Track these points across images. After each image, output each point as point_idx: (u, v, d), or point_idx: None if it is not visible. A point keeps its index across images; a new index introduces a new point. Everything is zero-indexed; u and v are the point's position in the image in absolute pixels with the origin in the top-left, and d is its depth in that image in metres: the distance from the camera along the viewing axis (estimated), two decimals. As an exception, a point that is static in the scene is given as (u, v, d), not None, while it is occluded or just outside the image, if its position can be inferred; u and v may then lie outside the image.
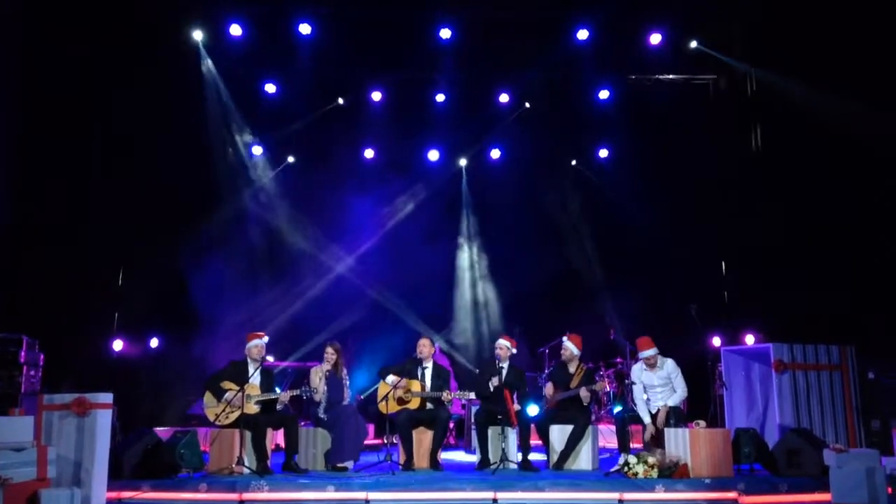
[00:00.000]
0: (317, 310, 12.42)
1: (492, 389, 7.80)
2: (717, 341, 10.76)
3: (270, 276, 12.41)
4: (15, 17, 9.52)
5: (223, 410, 7.37)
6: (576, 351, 8.18)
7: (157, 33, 10.80)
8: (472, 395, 8.11)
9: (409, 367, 8.08)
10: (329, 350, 8.04)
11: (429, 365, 8.12)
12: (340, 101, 12.39)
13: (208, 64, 11.48)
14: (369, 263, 12.96)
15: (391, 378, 7.92)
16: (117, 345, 10.87)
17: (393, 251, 12.96)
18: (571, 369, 8.19)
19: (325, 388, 7.88)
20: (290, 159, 12.92)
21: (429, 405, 7.94)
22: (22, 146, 9.82)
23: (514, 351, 8.20)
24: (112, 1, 10.34)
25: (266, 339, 7.82)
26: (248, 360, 7.70)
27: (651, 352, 7.90)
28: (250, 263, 12.18)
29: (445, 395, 7.87)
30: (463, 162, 13.21)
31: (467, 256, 13.20)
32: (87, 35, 10.27)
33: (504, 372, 7.94)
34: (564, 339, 8.27)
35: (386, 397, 7.79)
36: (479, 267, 13.13)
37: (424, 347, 8.15)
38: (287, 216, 12.68)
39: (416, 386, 7.98)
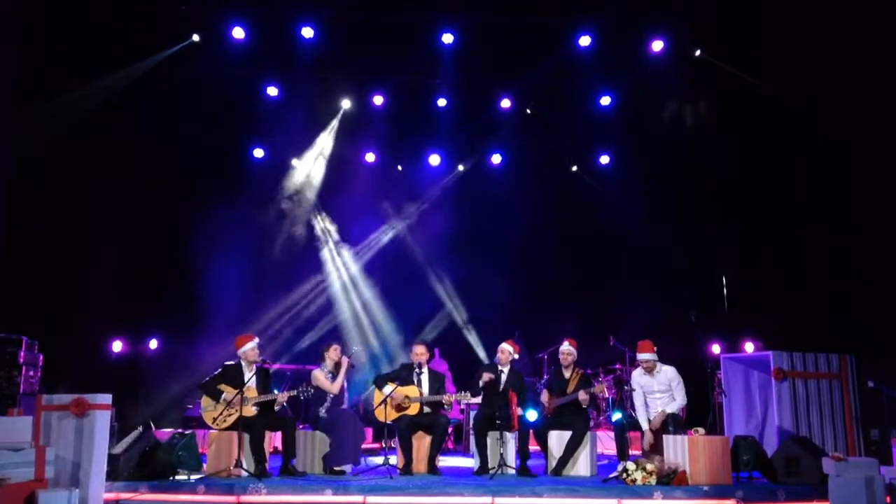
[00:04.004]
0: (314, 313, 12.47)
1: (480, 385, 7.79)
2: (716, 349, 10.76)
3: (270, 279, 12.43)
4: (13, 17, 9.55)
5: (220, 413, 7.35)
6: (575, 354, 8.20)
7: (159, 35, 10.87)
8: (471, 398, 8.11)
9: (403, 374, 8.07)
10: (333, 348, 8.02)
11: (424, 370, 8.11)
12: (347, 103, 12.43)
13: None
14: (368, 266, 13.03)
15: (387, 388, 7.87)
16: (116, 346, 10.87)
17: (393, 255, 13.04)
18: (567, 375, 8.18)
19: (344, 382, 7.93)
20: (295, 162, 12.95)
21: (427, 409, 7.94)
22: (20, 145, 9.83)
23: (516, 356, 8.21)
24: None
25: (257, 340, 7.80)
26: (244, 363, 7.67)
27: (649, 356, 7.90)
28: (251, 266, 12.18)
29: (446, 398, 7.87)
30: (461, 167, 13.22)
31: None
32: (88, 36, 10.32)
33: (504, 377, 7.96)
34: (566, 343, 8.27)
35: (384, 403, 7.72)
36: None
37: (420, 353, 8.15)
38: (287, 219, 12.71)
39: (413, 392, 7.97)
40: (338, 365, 7.99)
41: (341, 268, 13.10)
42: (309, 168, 12.92)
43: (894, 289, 9.37)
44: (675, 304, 11.54)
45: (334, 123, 12.68)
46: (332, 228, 13.15)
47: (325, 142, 12.83)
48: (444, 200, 13.11)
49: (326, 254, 13.09)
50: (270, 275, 12.49)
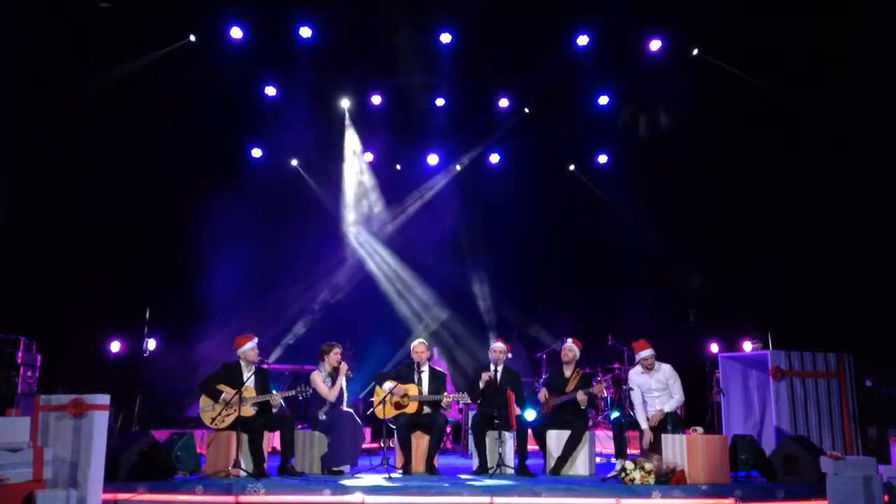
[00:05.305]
0: (314, 313, 12.45)
1: (481, 387, 7.80)
2: (714, 348, 10.75)
3: (270, 278, 12.43)
4: (14, 17, 9.54)
5: (219, 413, 7.35)
6: (578, 353, 8.21)
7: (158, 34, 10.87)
8: (469, 399, 8.11)
9: (404, 372, 8.07)
10: (334, 352, 8.00)
11: (425, 369, 8.10)
12: (347, 103, 12.44)
13: None
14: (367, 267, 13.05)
15: (388, 385, 7.89)
16: (115, 346, 10.85)
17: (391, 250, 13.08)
18: (567, 374, 8.19)
19: (344, 382, 7.89)
20: (294, 162, 12.95)
21: (426, 409, 7.93)
22: (19, 145, 9.81)
23: (510, 355, 8.22)
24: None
25: (256, 339, 7.79)
26: (242, 363, 7.66)
27: (648, 352, 7.96)
28: (250, 265, 12.17)
29: (445, 399, 7.86)
30: (458, 167, 13.22)
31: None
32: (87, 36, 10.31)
33: (498, 375, 7.97)
34: (569, 340, 8.28)
35: (383, 401, 7.74)
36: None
37: (420, 352, 8.14)
38: (287, 220, 12.71)
39: (413, 390, 7.96)
40: (336, 370, 7.92)
41: (369, 254, 13.14)
42: (356, 179, 13.01)
43: (893, 288, 9.37)
44: (674, 303, 11.56)
45: (348, 122, 12.71)
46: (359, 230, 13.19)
47: (352, 143, 12.88)
48: (442, 200, 13.10)
49: (353, 246, 13.09)
50: (271, 273, 12.47)
